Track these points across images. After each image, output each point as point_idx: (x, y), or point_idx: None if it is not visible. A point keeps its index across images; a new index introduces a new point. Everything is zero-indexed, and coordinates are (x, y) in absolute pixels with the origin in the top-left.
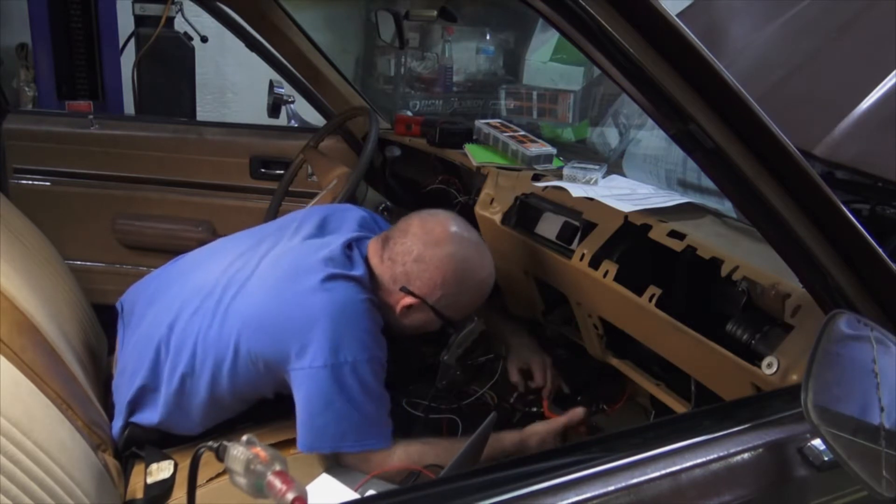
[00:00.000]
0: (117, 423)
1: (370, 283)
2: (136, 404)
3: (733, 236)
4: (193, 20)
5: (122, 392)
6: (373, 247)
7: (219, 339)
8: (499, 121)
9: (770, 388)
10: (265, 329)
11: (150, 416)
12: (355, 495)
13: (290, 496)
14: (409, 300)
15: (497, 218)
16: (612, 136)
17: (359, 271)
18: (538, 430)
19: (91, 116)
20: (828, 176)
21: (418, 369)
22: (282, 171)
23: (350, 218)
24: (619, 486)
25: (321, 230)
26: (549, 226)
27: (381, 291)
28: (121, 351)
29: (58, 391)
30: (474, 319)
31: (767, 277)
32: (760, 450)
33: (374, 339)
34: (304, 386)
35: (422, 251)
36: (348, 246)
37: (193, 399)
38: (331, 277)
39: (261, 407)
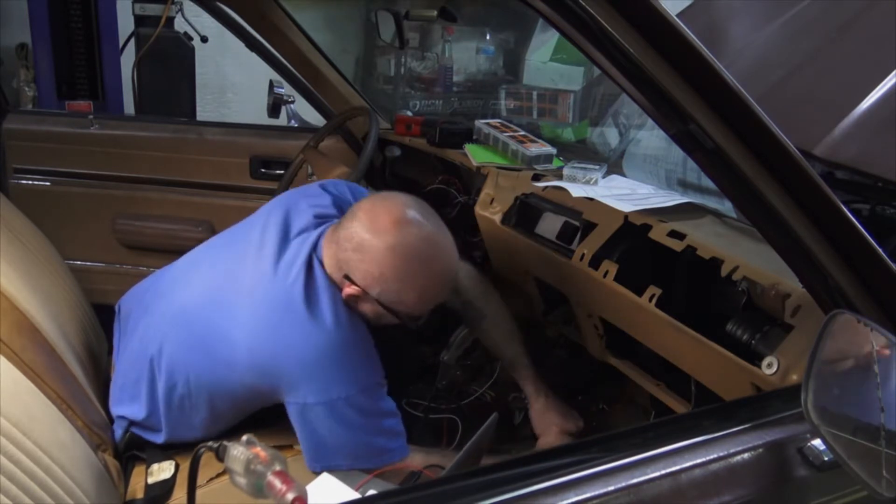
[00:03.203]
0: (118, 432)
1: (335, 289)
2: (135, 424)
3: (733, 236)
4: (193, 20)
5: (121, 409)
6: (329, 233)
7: (210, 371)
8: (499, 121)
9: (770, 388)
10: (254, 368)
11: (155, 437)
12: (355, 495)
13: (290, 496)
14: (351, 289)
15: (497, 218)
16: (612, 136)
17: (326, 293)
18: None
19: (91, 116)
20: (828, 176)
21: (418, 369)
22: (282, 171)
23: (307, 211)
24: (619, 486)
25: (284, 236)
26: (549, 226)
27: (330, 275)
28: (117, 358)
29: (58, 391)
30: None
31: (767, 277)
32: (760, 450)
33: (364, 369)
34: (303, 418)
35: (362, 240)
36: (310, 259)
37: (195, 416)
38: (305, 316)
39: (261, 409)
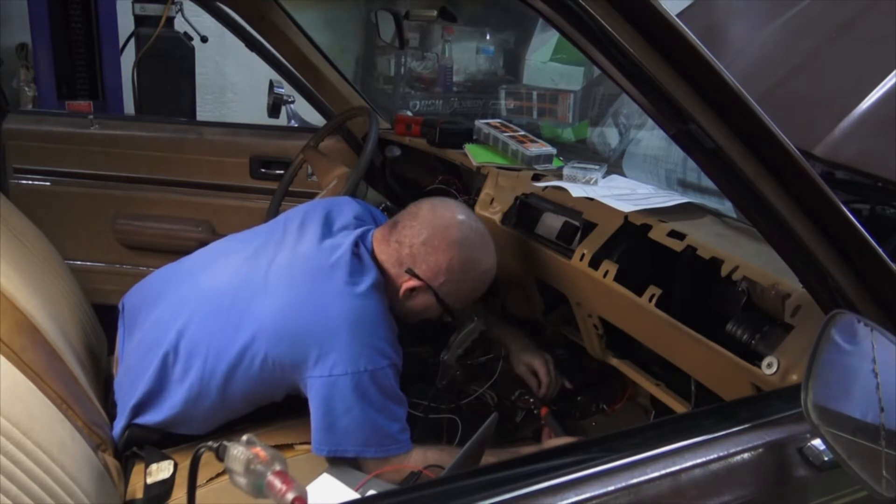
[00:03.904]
0: (119, 424)
1: (381, 279)
2: (141, 407)
3: (733, 236)
4: (193, 20)
5: (126, 395)
6: (379, 233)
7: (233, 345)
8: (499, 121)
9: (770, 388)
10: (284, 336)
11: (154, 416)
12: (355, 495)
13: (290, 496)
14: (412, 283)
15: (497, 218)
16: (612, 136)
17: (371, 273)
18: (557, 444)
19: (91, 116)
20: (828, 176)
21: (418, 369)
22: (282, 171)
23: (348, 212)
24: (619, 486)
25: (326, 228)
26: (549, 226)
27: (386, 276)
28: (122, 351)
29: (58, 391)
30: (474, 319)
31: (767, 277)
32: (760, 450)
33: (393, 346)
34: (324, 393)
35: (431, 235)
36: (356, 245)
37: (203, 402)
38: (347, 284)
39: (262, 409)
